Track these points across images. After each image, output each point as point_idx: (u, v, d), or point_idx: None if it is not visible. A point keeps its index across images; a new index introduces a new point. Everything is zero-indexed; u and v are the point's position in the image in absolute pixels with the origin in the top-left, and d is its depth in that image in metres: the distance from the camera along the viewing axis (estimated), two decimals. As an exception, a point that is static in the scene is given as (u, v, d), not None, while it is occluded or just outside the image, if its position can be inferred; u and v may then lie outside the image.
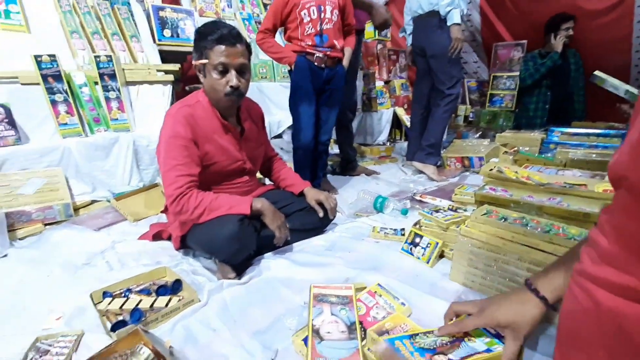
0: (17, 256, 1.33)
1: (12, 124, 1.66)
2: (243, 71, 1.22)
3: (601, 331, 0.40)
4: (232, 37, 1.17)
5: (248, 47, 1.24)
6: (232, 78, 1.19)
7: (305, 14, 1.70)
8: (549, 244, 0.87)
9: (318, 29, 1.72)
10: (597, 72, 1.92)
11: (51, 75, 1.78)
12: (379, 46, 3.59)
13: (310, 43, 1.74)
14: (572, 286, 0.48)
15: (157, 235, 1.45)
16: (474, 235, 0.99)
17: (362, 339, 0.80)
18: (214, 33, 1.16)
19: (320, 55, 1.75)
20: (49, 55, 1.77)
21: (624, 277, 0.37)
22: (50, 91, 1.78)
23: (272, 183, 1.61)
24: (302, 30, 1.73)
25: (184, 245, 1.33)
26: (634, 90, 1.93)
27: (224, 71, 1.19)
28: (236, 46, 1.18)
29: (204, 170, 1.25)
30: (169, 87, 2.20)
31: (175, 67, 2.23)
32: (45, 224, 1.57)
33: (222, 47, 1.16)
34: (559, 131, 2.29)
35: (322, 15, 1.71)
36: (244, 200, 1.19)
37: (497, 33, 3.35)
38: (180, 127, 1.18)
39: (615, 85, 1.93)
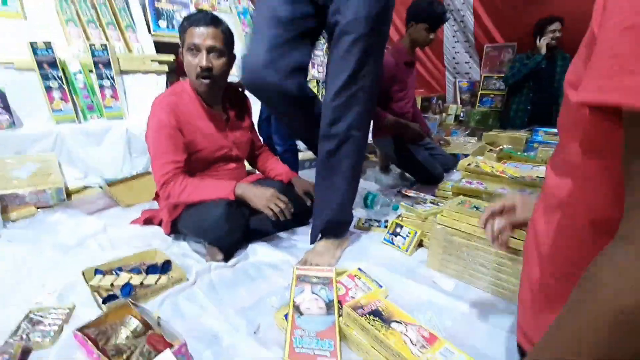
0: (10, 237, 1.36)
1: (6, 108, 1.68)
2: (215, 53, 1.21)
3: None
4: (204, 19, 1.18)
5: (226, 33, 1.23)
6: (202, 59, 1.18)
7: None
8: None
9: None
10: None
11: (46, 62, 1.80)
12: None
13: None
14: None
15: (149, 221, 1.49)
16: (448, 223, 1.05)
17: (339, 315, 0.86)
18: (190, 18, 1.20)
19: None
20: (45, 43, 1.78)
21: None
22: (45, 77, 1.80)
23: (261, 173, 1.65)
24: None
25: (174, 230, 1.38)
26: None
27: (195, 52, 1.20)
28: (208, 27, 1.18)
29: (191, 158, 1.29)
30: (163, 77, 2.22)
31: (170, 57, 2.25)
32: (38, 208, 1.60)
33: (195, 28, 1.18)
34: (543, 131, 2.37)
35: None
36: (228, 184, 1.23)
37: (489, 34, 3.41)
38: (165, 116, 1.21)
39: None
